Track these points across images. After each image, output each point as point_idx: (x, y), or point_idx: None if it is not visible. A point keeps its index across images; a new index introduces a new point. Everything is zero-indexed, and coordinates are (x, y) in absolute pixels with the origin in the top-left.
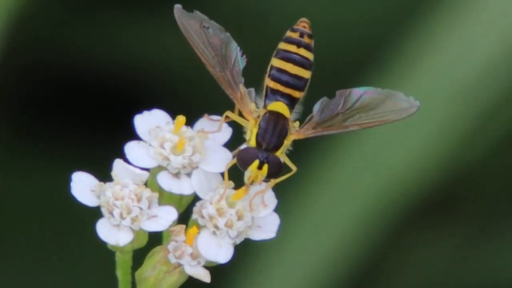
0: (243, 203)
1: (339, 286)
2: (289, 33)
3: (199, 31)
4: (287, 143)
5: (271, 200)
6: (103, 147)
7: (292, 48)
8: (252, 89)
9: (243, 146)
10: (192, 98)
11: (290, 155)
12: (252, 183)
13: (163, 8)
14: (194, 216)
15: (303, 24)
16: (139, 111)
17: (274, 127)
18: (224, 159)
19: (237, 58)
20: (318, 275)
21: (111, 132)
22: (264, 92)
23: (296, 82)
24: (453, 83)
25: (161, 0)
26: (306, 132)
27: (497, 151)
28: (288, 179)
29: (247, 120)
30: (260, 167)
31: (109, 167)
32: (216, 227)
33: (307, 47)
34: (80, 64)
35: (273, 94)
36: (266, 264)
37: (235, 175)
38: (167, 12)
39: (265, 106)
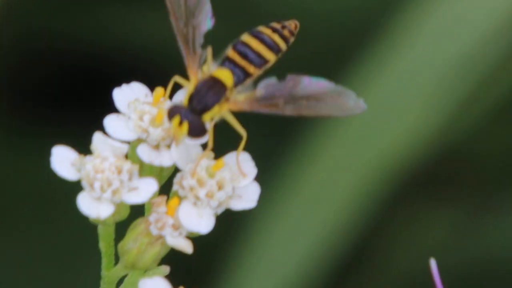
0: (223, 173)
1: (334, 263)
2: (273, 23)
3: None
4: (219, 110)
5: (251, 169)
6: (86, 123)
7: (267, 31)
8: (209, 48)
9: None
10: (172, 71)
11: (284, 137)
12: (174, 139)
13: None
14: (175, 187)
15: (290, 22)
16: (119, 85)
17: (207, 90)
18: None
19: (206, 17)
20: (312, 252)
21: (94, 108)
22: (221, 61)
23: (255, 59)
24: (442, 59)
25: None
26: (241, 105)
27: (487, 124)
28: (278, 161)
29: (191, 79)
30: (180, 124)
31: (90, 143)
32: (197, 197)
33: (282, 36)
34: (63, 45)
35: (228, 63)
36: (256, 245)
37: (216, 147)
38: None
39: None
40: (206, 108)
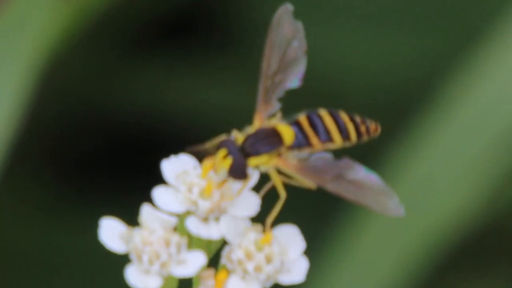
0: (272, 246)
1: None
2: (354, 114)
3: (284, 36)
4: (267, 161)
5: (299, 243)
6: (133, 191)
7: (345, 117)
8: (278, 106)
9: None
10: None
11: (329, 203)
12: (214, 170)
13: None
14: (223, 260)
15: (372, 122)
16: (167, 156)
17: (264, 138)
18: (252, 203)
19: (294, 76)
20: None
21: (142, 176)
22: (290, 122)
23: (322, 133)
24: (489, 130)
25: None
26: (290, 165)
27: None
28: (322, 230)
29: (255, 124)
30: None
31: (138, 210)
32: (245, 271)
33: (357, 129)
34: (111, 114)
35: (295, 126)
36: None
37: (263, 219)
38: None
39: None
40: (256, 153)
